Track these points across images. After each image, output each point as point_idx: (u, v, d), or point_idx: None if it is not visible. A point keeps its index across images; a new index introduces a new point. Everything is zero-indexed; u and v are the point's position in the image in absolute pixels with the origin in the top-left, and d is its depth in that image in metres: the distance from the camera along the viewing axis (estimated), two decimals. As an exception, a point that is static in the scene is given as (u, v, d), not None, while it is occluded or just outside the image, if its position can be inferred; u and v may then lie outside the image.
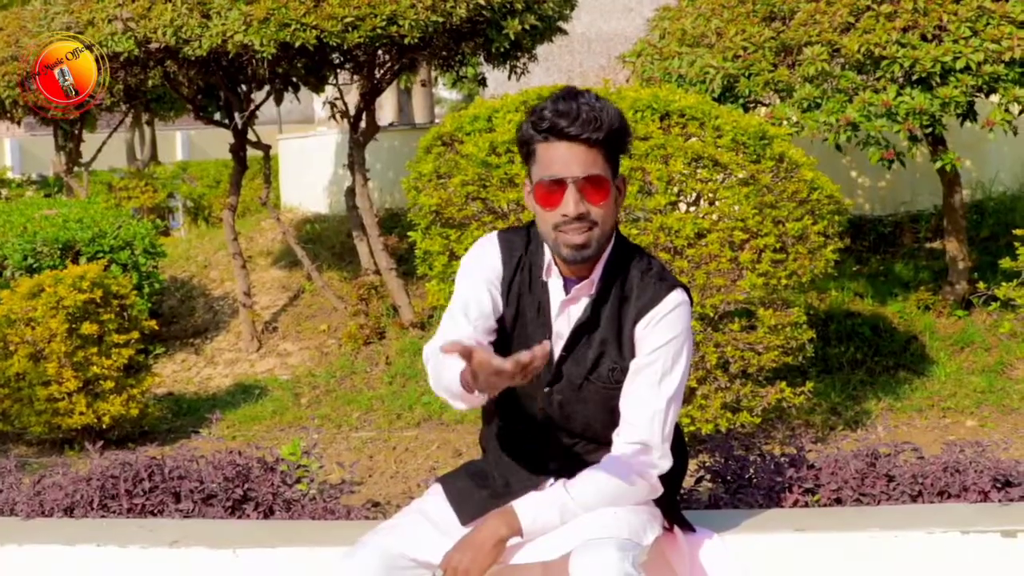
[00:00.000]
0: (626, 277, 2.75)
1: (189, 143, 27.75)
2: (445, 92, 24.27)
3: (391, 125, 12.95)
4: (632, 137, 2.80)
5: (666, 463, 2.73)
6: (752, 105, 6.62)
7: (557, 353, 2.76)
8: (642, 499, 2.74)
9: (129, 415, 6.69)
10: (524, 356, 2.29)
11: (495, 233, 2.86)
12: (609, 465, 2.70)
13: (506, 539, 2.61)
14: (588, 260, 2.68)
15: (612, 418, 2.75)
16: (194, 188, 16.53)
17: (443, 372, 2.55)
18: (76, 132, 12.00)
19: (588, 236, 2.64)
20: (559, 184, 2.61)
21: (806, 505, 3.54)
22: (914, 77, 6.24)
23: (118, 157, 17.68)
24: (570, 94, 2.62)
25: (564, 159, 2.61)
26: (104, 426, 6.59)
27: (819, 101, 6.28)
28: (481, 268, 2.79)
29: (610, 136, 2.61)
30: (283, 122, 18.63)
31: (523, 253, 2.80)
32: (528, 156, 2.69)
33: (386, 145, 10.86)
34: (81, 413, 6.49)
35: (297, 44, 6.92)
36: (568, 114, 2.58)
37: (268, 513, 3.84)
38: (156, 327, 7.31)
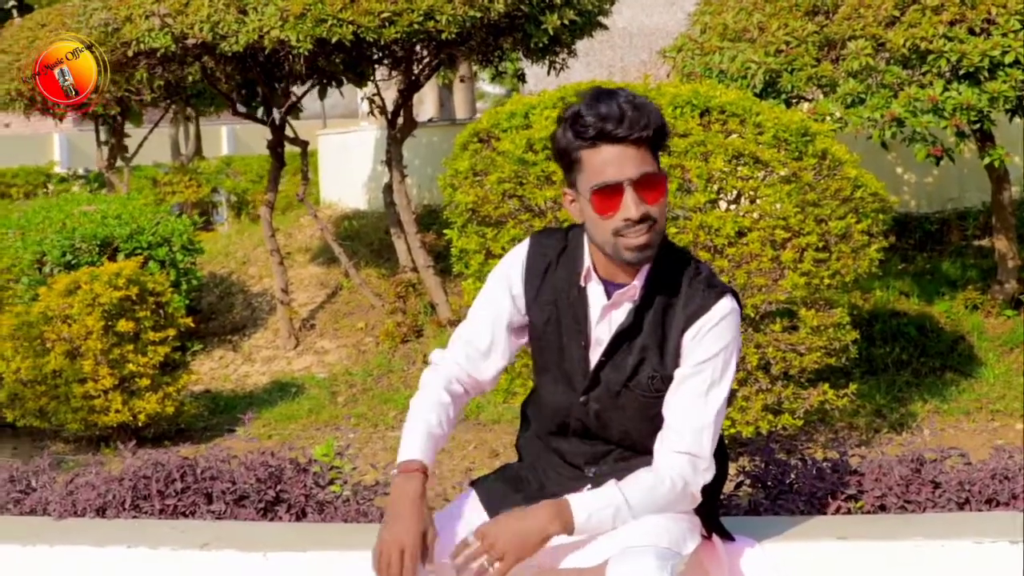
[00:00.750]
0: (672, 282, 2.67)
1: (234, 138, 27.86)
2: (488, 87, 24.28)
3: (430, 121, 12.92)
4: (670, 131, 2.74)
5: (710, 475, 2.67)
6: (794, 101, 6.52)
7: (595, 359, 2.69)
8: (682, 509, 2.68)
9: (165, 413, 6.70)
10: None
11: (527, 241, 2.80)
12: (657, 473, 2.63)
13: (553, 536, 2.53)
14: (649, 260, 2.62)
15: (651, 427, 2.68)
16: (238, 183, 16.59)
17: (416, 413, 2.68)
18: (119, 127, 12.02)
19: (650, 236, 2.57)
20: (616, 189, 2.53)
21: (849, 512, 3.46)
22: (961, 72, 6.13)
23: (162, 152, 17.79)
24: (605, 95, 2.54)
25: (616, 162, 2.53)
26: (140, 424, 6.61)
27: (863, 96, 6.18)
28: (502, 285, 2.78)
29: (656, 132, 2.56)
30: (328, 116, 18.68)
31: (555, 259, 2.74)
32: (570, 165, 2.60)
33: (425, 141, 10.83)
34: (117, 411, 6.50)
35: (334, 40, 6.90)
36: (612, 116, 2.51)
37: (301, 515, 3.80)
38: (192, 324, 7.33)
